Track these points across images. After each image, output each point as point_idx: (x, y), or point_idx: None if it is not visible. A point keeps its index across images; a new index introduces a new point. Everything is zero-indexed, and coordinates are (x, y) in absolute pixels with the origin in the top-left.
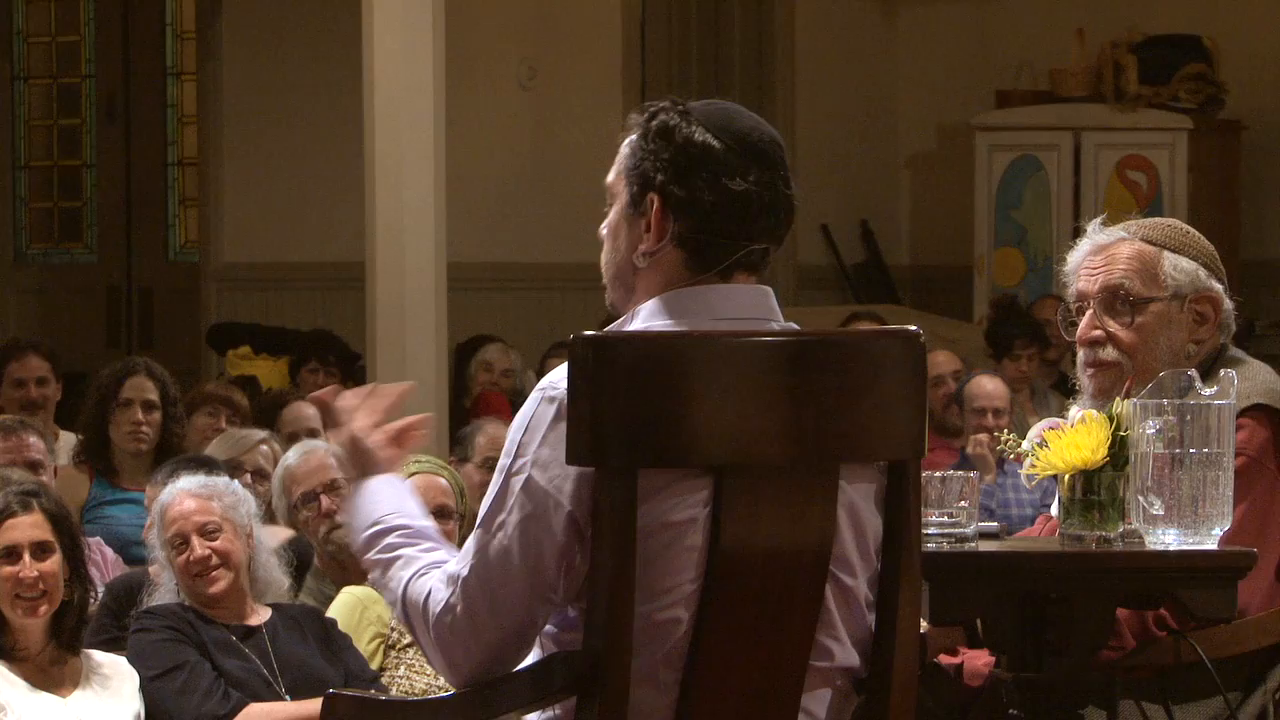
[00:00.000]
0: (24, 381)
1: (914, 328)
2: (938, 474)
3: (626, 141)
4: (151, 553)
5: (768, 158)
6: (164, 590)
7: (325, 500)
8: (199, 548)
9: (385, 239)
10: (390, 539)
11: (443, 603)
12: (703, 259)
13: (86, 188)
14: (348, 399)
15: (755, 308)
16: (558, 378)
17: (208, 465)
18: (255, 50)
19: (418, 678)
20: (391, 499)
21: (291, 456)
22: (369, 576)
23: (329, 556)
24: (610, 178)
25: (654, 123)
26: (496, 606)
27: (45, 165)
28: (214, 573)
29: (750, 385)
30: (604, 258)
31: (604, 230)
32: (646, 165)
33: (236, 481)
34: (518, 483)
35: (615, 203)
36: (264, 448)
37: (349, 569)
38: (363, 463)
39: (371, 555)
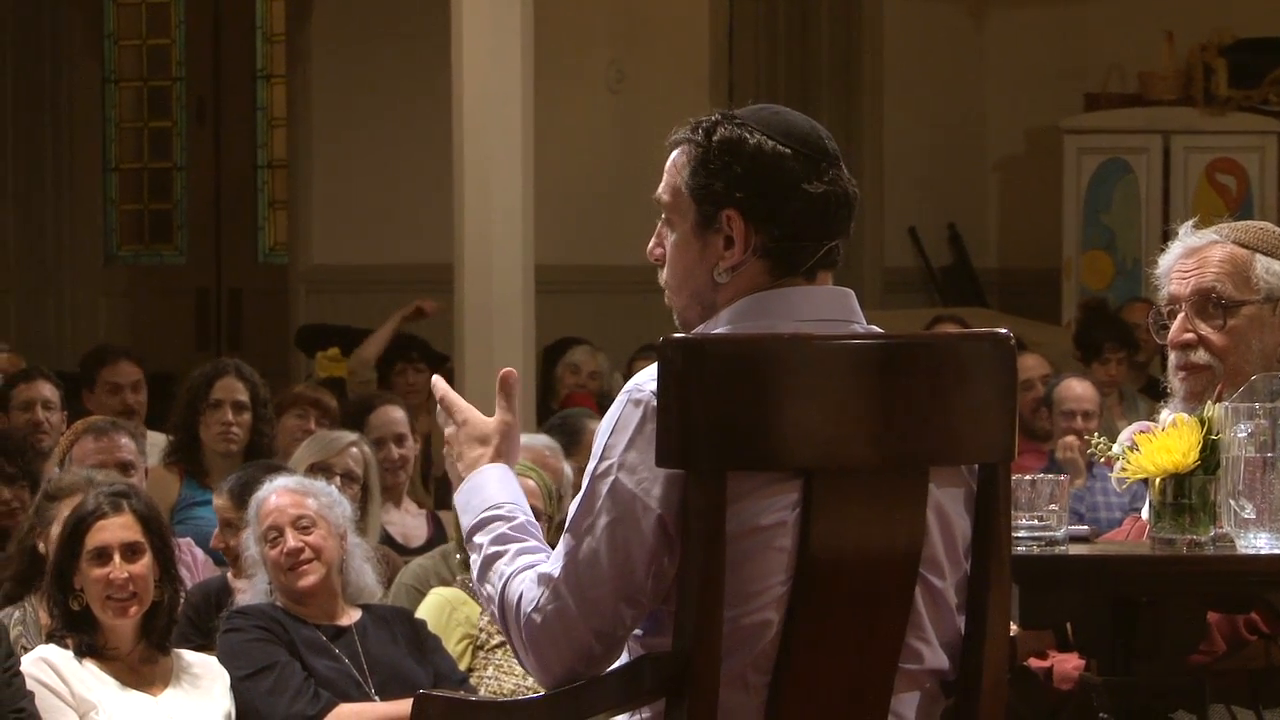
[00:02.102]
0: (119, 387)
1: (1004, 330)
2: (1027, 477)
3: (676, 155)
4: (245, 552)
5: (830, 154)
6: (254, 592)
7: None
8: (292, 539)
9: (473, 241)
10: (502, 529)
11: (534, 603)
12: (787, 263)
13: (176, 190)
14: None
15: (838, 309)
16: (644, 380)
17: (280, 471)
18: (344, 53)
19: (506, 678)
20: (510, 491)
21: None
22: (471, 561)
23: None
24: (665, 197)
25: (715, 137)
26: (585, 608)
27: (135, 168)
28: (305, 566)
29: (840, 388)
30: (672, 279)
31: (657, 249)
32: (718, 183)
33: (333, 486)
34: (604, 486)
35: (675, 223)
36: (354, 450)
37: None
38: (501, 449)
39: (479, 539)
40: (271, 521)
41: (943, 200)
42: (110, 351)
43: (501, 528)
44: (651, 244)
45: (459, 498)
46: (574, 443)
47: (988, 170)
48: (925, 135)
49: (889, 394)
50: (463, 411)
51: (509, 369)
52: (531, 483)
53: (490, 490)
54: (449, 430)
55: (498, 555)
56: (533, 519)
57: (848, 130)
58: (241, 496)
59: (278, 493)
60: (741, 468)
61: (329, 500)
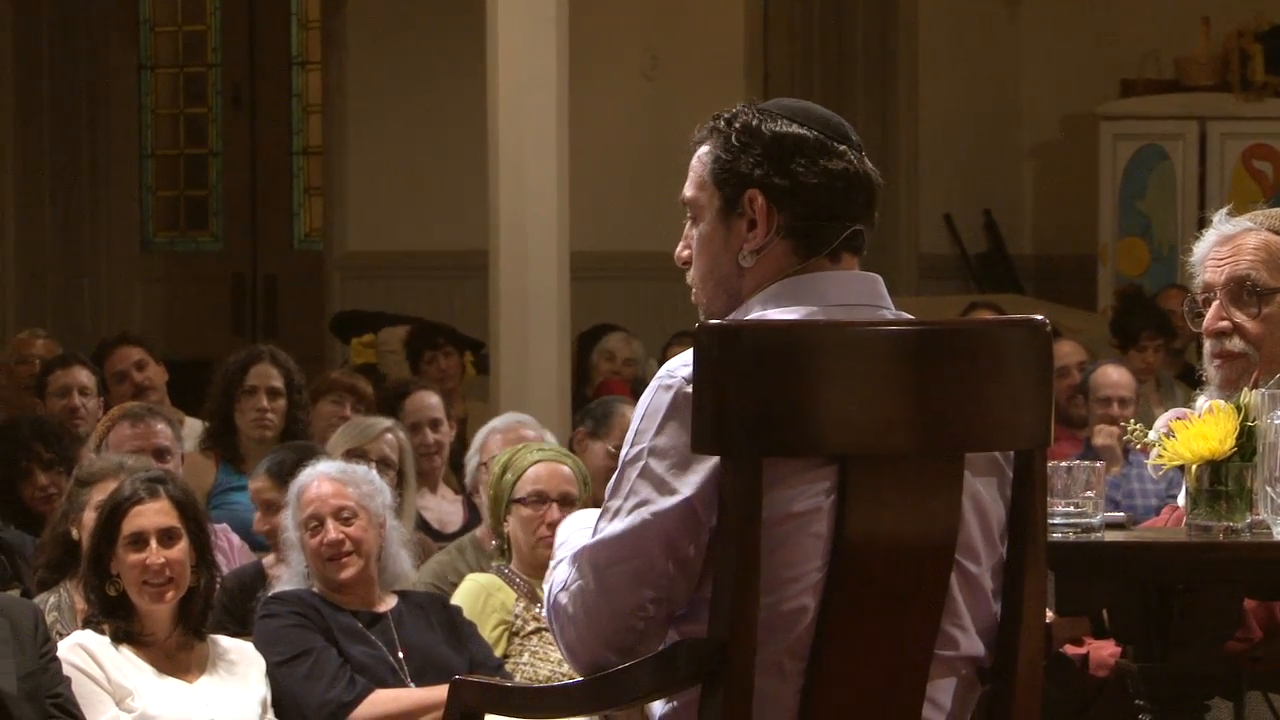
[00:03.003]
0: (123, 374)
1: (1040, 317)
2: (1063, 464)
3: (700, 154)
4: (283, 534)
5: (850, 138)
6: (290, 576)
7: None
8: (333, 530)
9: (508, 228)
10: (574, 541)
11: (561, 584)
12: (811, 244)
13: (212, 176)
14: None
15: (868, 294)
16: (676, 366)
17: (311, 455)
18: (380, 39)
19: (542, 665)
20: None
21: (500, 421)
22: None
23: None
24: (689, 193)
25: (735, 125)
26: (604, 589)
27: (171, 154)
28: (345, 558)
29: (875, 374)
30: (697, 272)
31: (684, 251)
32: (740, 164)
33: (375, 472)
34: (634, 471)
35: (701, 215)
36: (389, 436)
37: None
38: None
39: (554, 558)
40: (313, 510)
41: (978, 187)
42: (106, 344)
43: (579, 539)
44: (679, 247)
45: (566, 523)
46: (604, 427)
47: (1023, 157)
48: (961, 122)
49: (925, 380)
50: None
51: None
52: (566, 468)
53: (586, 520)
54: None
55: (563, 559)
56: None
57: (883, 117)
58: (281, 477)
59: (320, 480)
60: (776, 454)
61: (370, 489)
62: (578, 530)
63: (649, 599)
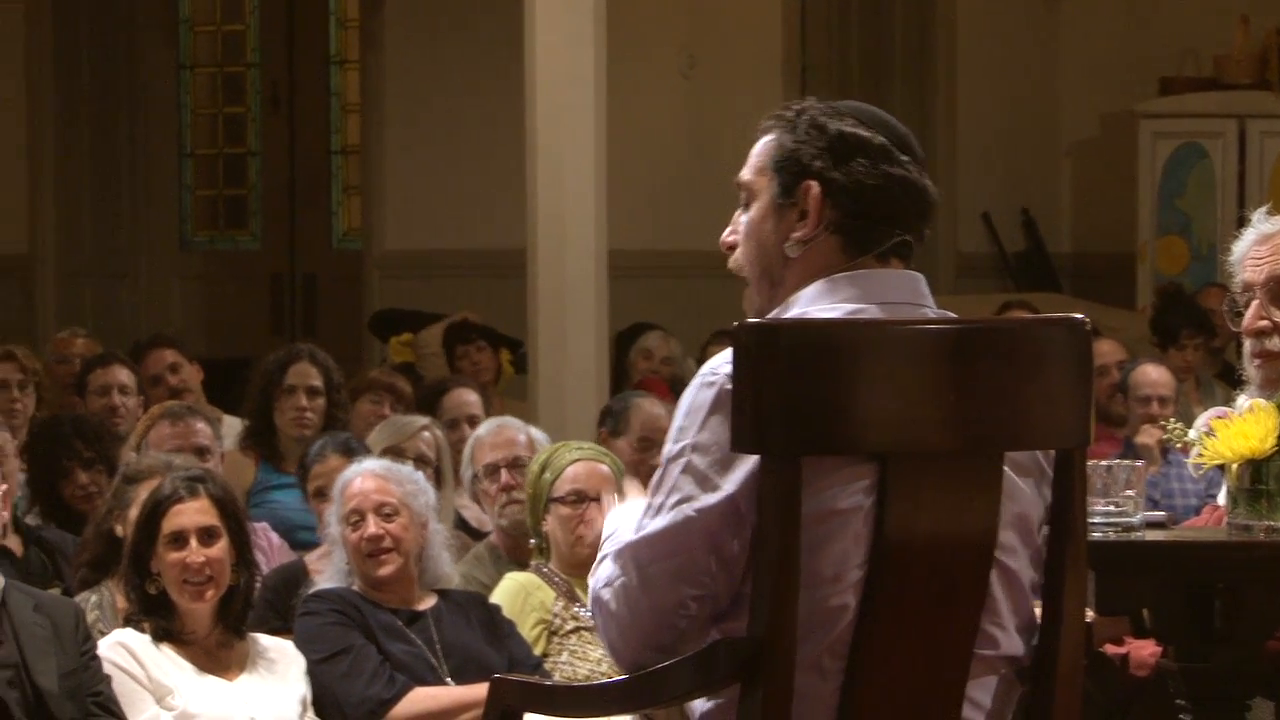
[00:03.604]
0: (158, 378)
1: (1080, 316)
2: (1103, 462)
3: (765, 140)
4: (326, 528)
5: (914, 150)
6: (331, 574)
7: (506, 474)
8: (373, 525)
9: (546, 227)
10: (621, 536)
11: (605, 582)
12: (859, 244)
13: (251, 175)
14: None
15: (909, 292)
16: (718, 363)
17: (357, 447)
18: (418, 39)
19: (581, 664)
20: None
21: (484, 428)
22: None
23: (503, 532)
24: (747, 176)
25: (803, 117)
26: (648, 586)
27: (210, 153)
28: (384, 555)
29: (915, 372)
30: (744, 256)
31: (731, 236)
32: (802, 154)
33: (420, 473)
34: (677, 468)
35: (754, 200)
36: (425, 434)
37: (522, 547)
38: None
39: (605, 551)
40: (355, 505)
41: (1016, 185)
42: (140, 346)
43: (625, 535)
44: (726, 232)
45: (613, 514)
46: (623, 423)
47: (1061, 155)
48: (999, 120)
49: (964, 378)
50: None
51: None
52: (605, 467)
53: (631, 513)
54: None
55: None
56: None
57: (921, 115)
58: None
59: (364, 476)
60: (816, 452)
61: (414, 488)
62: (624, 523)
63: (691, 596)
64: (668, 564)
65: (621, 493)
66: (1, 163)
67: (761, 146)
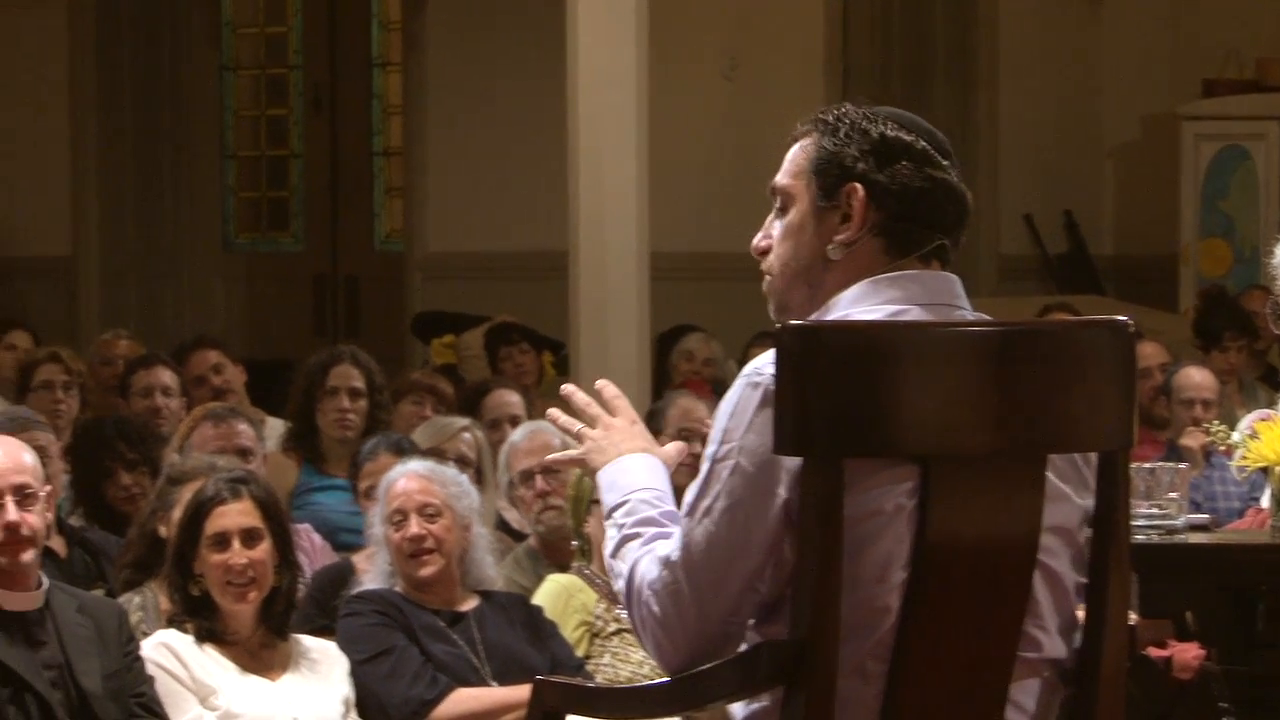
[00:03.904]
0: (202, 379)
1: (1124, 318)
2: (1146, 465)
3: (801, 145)
4: (369, 528)
5: (950, 152)
6: (375, 574)
7: (541, 481)
8: (415, 526)
9: (588, 229)
10: (644, 514)
11: (651, 587)
12: (902, 246)
13: (293, 177)
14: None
15: (946, 294)
16: (762, 363)
17: (409, 447)
18: (460, 41)
19: (623, 666)
20: (653, 478)
21: (518, 434)
22: (605, 549)
23: (540, 537)
24: (782, 180)
25: (844, 121)
26: (700, 592)
27: (253, 155)
28: (426, 556)
29: (958, 375)
30: (779, 260)
31: (764, 241)
32: (844, 156)
33: (465, 475)
34: (724, 469)
35: (791, 204)
36: (466, 435)
37: (562, 549)
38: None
39: (618, 520)
40: (399, 505)
41: (1059, 187)
42: (183, 348)
43: (646, 511)
44: (758, 237)
45: (605, 474)
46: (661, 420)
47: (1104, 157)
48: (1041, 122)
49: (1007, 381)
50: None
51: (604, 381)
52: None
53: (639, 475)
54: (593, 430)
55: (635, 536)
56: (676, 510)
57: (963, 117)
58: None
59: (407, 476)
60: (858, 454)
61: (458, 490)
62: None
63: (746, 600)
64: (724, 571)
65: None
66: (45, 165)
67: (798, 151)
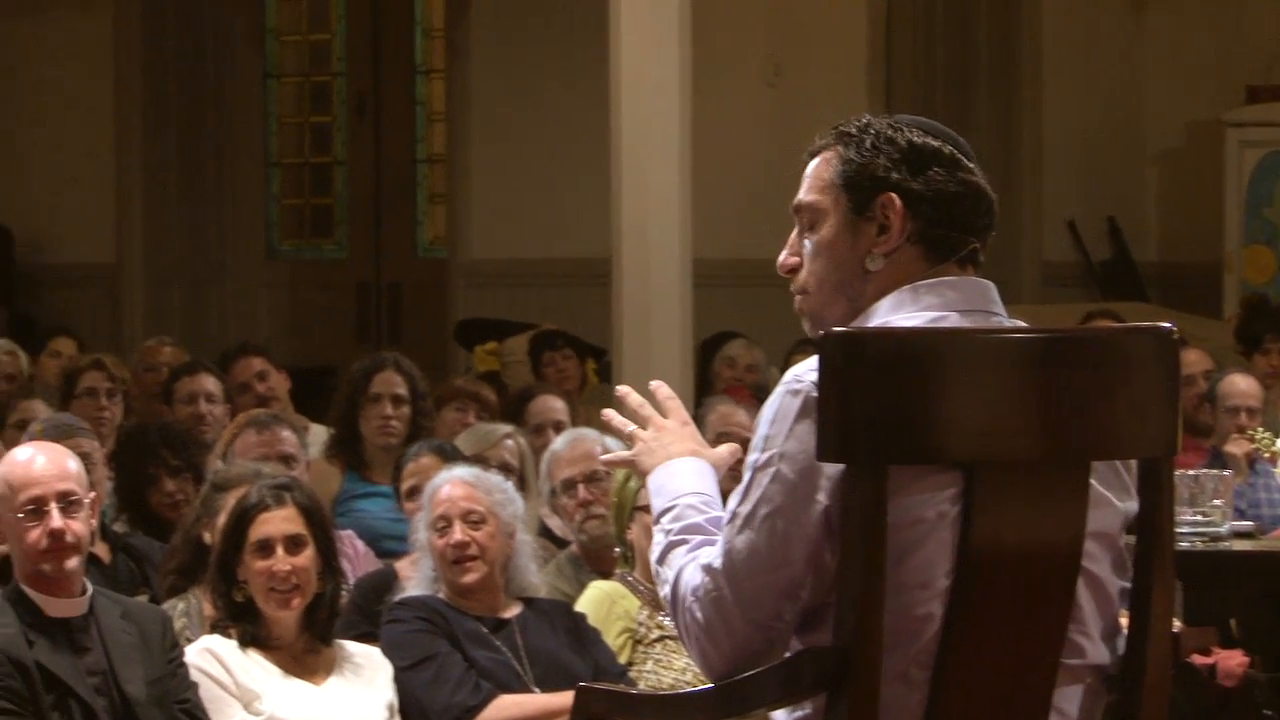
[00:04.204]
0: (246, 385)
1: (1167, 325)
2: (1190, 472)
3: (822, 159)
4: (413, 534)
5: (972, 155)
6: (418, 581)
7: (583, 490)
8: (459, 533)
9: (631, 236)
10: (690, 520)
11: (694, 594)
12: (939, 252)
13: (337, 184)
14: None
15: (982, 300)
16: (802, 370)
17: (452, 451)
18: (503, 48)
19: (665, 673)
20: (701, 482)
21: (560, 442)
22: (651, 554)
23: (583, 546)
24: (808, 198)
25: (869, 132)
26: (742, 600)
27: (296, 162)
28: (469, 562)
29: (1001, 381)
30: (814, 277)
31: (792, 258)
32: (874, 168)
33: (510, 483)
34: (766, 477)
35: (820, 220)
36: (509, 442)
37: (605, 558)
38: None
39: (665, 526)
40: (443, 511)
41: (1102, 194)
42: (227, 355)
43: (693, 517)
44: (784, 255)
45: (654, 478)
46: (701, 425)
47: (1148, 163)
48: (1085, 128)
49: (1051, 387)
50: (659, 417)
51: (658, 383)
52: None
53: (688, 479)
54: (645, 431)
55: (681, 543)
56: (723, 515)
57: (1006, 123)
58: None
59: (452, 483)
60: (902, 461)
61: (503, 497)
62: (678, 485)
63: (788, 608)
64: (765, 579)
65: (643, 417)
66: (89, 172)
67: (820, 165)
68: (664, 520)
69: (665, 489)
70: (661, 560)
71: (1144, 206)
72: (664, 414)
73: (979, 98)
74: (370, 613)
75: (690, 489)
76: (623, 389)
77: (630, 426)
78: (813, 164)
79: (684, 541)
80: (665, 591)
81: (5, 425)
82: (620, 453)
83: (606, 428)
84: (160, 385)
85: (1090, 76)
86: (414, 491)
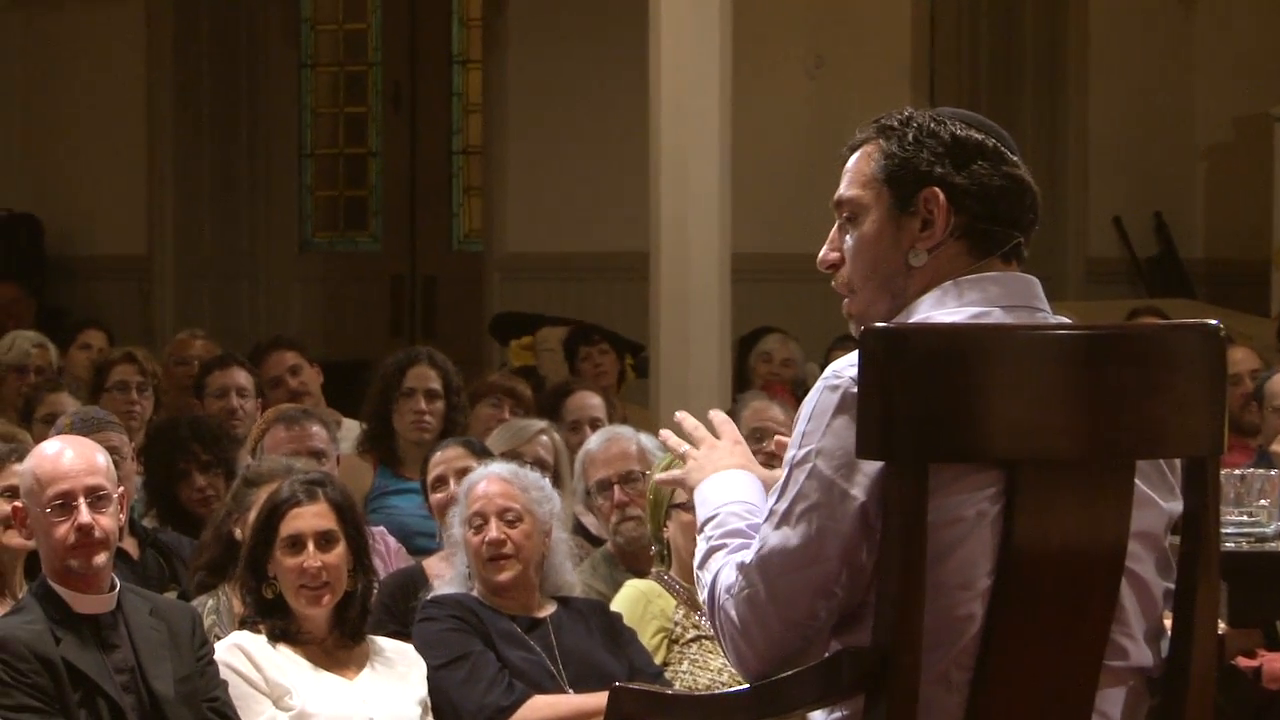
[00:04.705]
0: (279, 380)
1: (1214, 321)
2: (1236, 471)
3: (863, 153)
4: (448, 530)
5: (1015, 148)
6: (452, 578)
7: (619, 491)
8: (495, 530)
9: (669, 229)
10: (731, 526)
11: (728, 592)
12: (983, 247)
13: (372, 176)
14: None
15: (1025, 295)
16: (841, 366)
17: (480, 448)
18: (541, 38)
19: (701, 673)
20: (748, 491)
21: (594, 441)
22: (697, 553)
23: (619, 548)
24: (849, 192)
25: (911, 125)
26: (777, 598)
27: (331, 153)
28: (504, 560)
29: (1045, 378)
30: (856, 274)
31: (832, 254)
32: (918, 161)
33: (548, 480)
34: (802, 473)
35: (862, 215)
36: (543, 438)
37: (640, 558)
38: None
39: (707, 533)
40: (479, 508)
41: (1149, 189)
42: (260, 348)
43: (734, 523)
44: (824, 251)
45: (703, 489)
46: (736, 421)
47: (1196, 158)
48: (1131, 122)
49: (1095, 385)
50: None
51: (716, 411)
52: None
53: (731, 488)
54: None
55: (721, 547)
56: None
57: (1052, 117)
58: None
59: (489, 479)
60: (943, 459)
61: (540, 495)
62: (723, 495)
63: (822, 606)
64: (799, 575)
65: (694, 438)
66: (121, 163)
67: (861, 160)
68: (706, 528)
69: (709, 499)
70: (702, 565)
71: (1191, 202)
72: (717, 436)
73: (1024, 91)
74: (397, 611)
75: (734, 497)
76: (680, 415)
77: (684, 446)
78: (853, 158)
79: (723, 546)
80: (704, 596)
81: (34, 419)
82: (673, 471)
83: (642, 425)
84: (191, 379)
85: (1137, 70)
86: (440, 482)
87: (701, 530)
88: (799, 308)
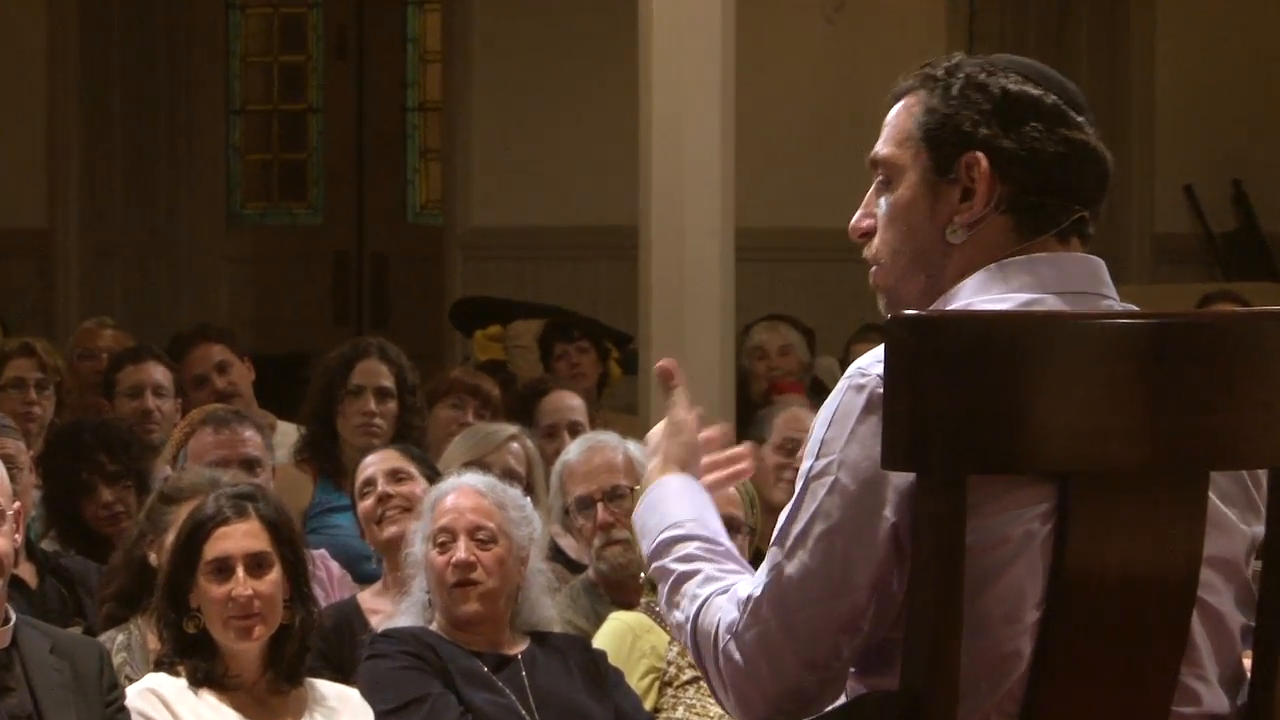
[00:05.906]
0: (203, 378)
1: None
2: None
3: (905, 105)
4: (408, 551)
5: (1085, 106)
6: (409, 606)
7: (602, 510)
8: (464, 550)
9: (662, 201)
10: (688, 549)
11: (732, 631)
12: (1035, 223)
13: (311, 137)
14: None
15: (1089, 280)
16: (868, 363)
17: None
18: None
19: None
20: (692, 505)
21: (574, 451)
22: (658, 590)
23: (602, 576)
24: (884, 151)
25: (957, 76)
26: (793, 634)
27: (263, 110)
28: (471, 587)
29: (1103, 376)
30: (886, 246)
31: (865, 221)
32: (961, 120)
33: (529, 499)
34: (821, 488)
35: (898, 179)
36: (513, 446)
37: (626, 588)
38: (674, 454)
39: (663, 564)
40: (447, 522)
41: (1225, 155)
42: (181, 341)
43: (687, 547)
44: (857, 216)
45: (635, 520)
46: (767, 427)
47: (1278, 119)
48: (1205, 80)
49: (1161, 384)
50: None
51: (667, 360)
52: (730, 489)
53: (669, 506)
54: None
55: (688, 576)
56: (723, 534)
57: (1112, 74)
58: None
59: (461, 491)
60: (984, 471)
61: (519, 515)
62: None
63: (845, 644)
64: (821, 609)
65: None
66: (18, 121)
67: (901, 112)
68: (658, 563)
69: (648, 528)
70: (670, 603)
71: (1273, 169)
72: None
73: (1079, 45)
74: (331, 656)
75: (674, 518)
76: (665, 360)
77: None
78: (894, 110)
79: (690, 574)
80: (685, 639)
81: None
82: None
83: (629, 433)
84: (99, 375)
85: (1211, 20)
86: (368, 486)
87: (651, 566)
88: (813, 292)
